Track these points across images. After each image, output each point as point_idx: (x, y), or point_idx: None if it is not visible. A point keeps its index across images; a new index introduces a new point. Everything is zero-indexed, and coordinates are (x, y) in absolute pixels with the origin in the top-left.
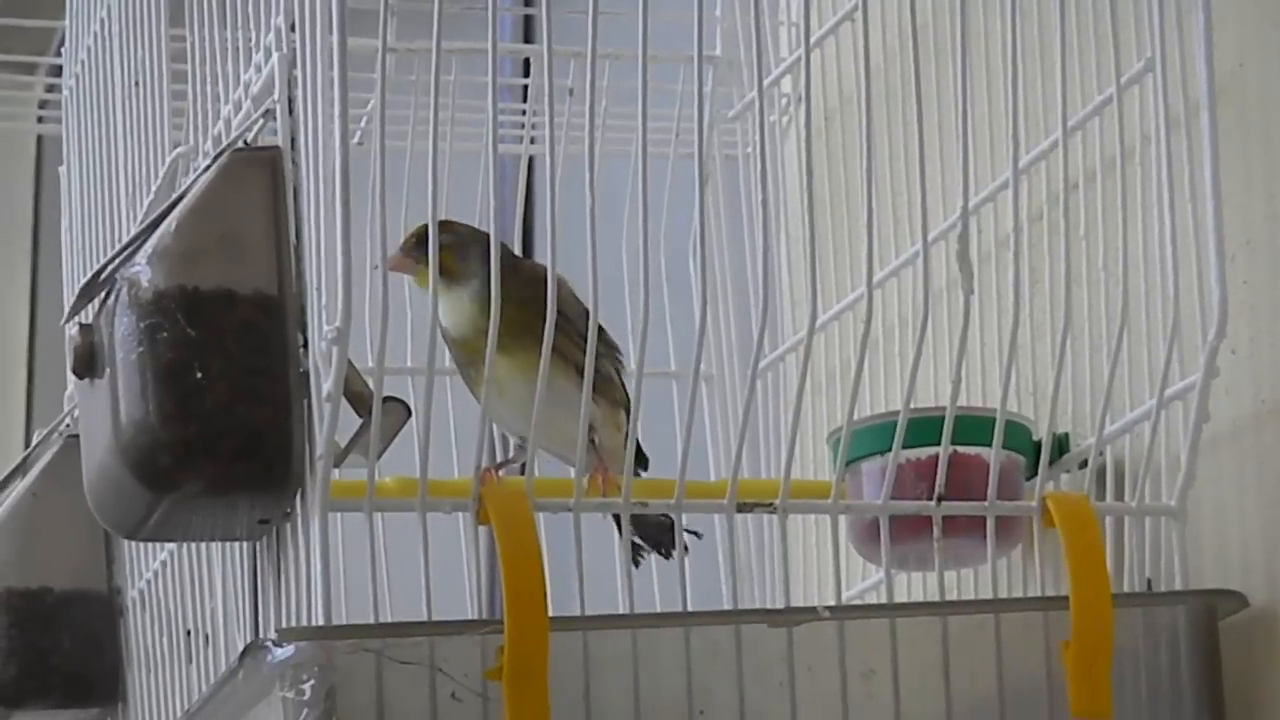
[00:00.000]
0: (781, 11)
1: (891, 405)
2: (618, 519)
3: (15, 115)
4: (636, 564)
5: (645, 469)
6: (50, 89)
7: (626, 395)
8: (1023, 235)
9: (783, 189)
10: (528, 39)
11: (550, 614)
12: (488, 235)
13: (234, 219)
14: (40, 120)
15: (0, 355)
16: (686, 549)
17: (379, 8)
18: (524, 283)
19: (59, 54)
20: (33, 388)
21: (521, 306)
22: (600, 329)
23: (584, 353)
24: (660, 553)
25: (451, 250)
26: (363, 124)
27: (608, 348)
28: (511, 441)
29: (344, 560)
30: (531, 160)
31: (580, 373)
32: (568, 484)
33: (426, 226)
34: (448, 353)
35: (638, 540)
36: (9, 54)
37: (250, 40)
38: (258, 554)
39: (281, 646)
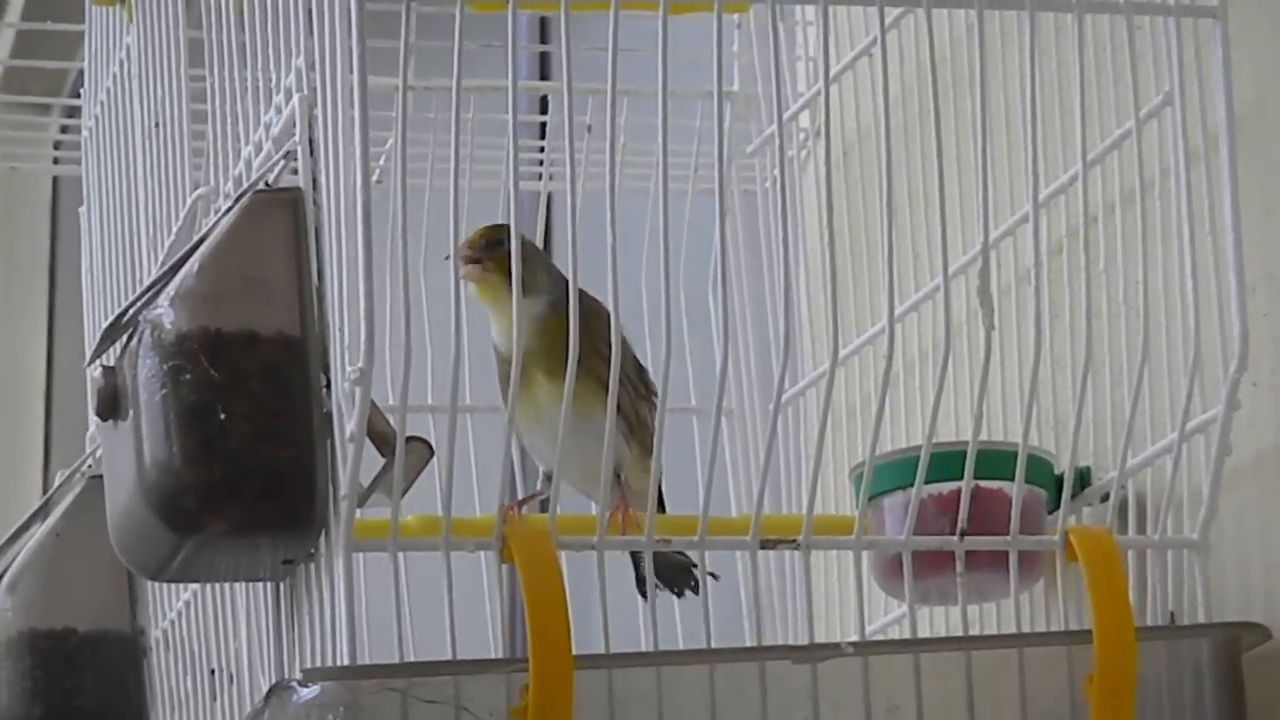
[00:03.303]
0: (799, 46)
1: (912, 440)
2: (634, 556)
3: (31, 156)
4: (645, 597)
5: (663, 510)
6: (65, 129)
7: (639, 428)
8: (1043, 269)
9: (801, 223)
10: (544, 76)
11: (574, 652)
12: (543, 252)
13: (256, 260)
14: (56, 161)
15: (18, 395)
16: (697, 587)
17: (396, 46)
18: (582, 313)
19: (74, 94)
20: (50, 427)
21: (559, 327)
22: (643, 371)
23: (627, 393)
24: (674, 591)
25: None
26: (381, 162)
27: (648, 390)
28: (540, 470)
29: (366, 599)
30: (550, 197)
31: (620, 411)
32: (590, 521)
33: (496, 228)
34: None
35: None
36: (24, 95)
37: (270, 81)
38: (281, 594)
39: (307, 686)
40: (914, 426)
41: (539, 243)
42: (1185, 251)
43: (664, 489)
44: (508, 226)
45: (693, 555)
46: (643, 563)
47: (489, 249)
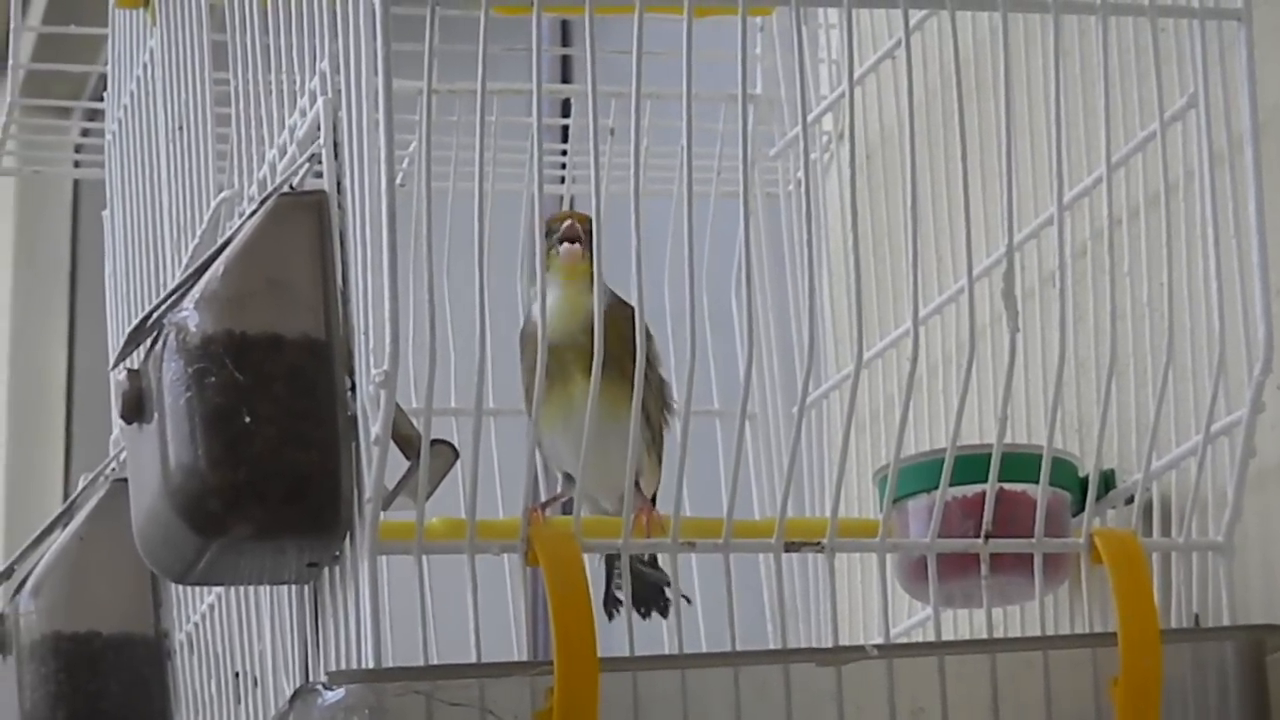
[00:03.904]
0: (822, 49)
1: (936, 442)
2: (609, 570)
3: (52, 160)
4: (610, 617)
5: None
6: (86, 133)
7: (660, 436)
8: (1067, 272)
9: (824, 226)
10: (566, 79)
11: (599, 655)
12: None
13: (281, 263)
14: (77, 165)
15: (39, 398)
16: (666, 609)
17: (420, 49)
18: (629, 315)
19: (95, 98)
20: (71, 431)
21: (620, 340)
22: (664, 385)
23: (656, 403)
24: (641, 613)
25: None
26: (404, 165)
27: (667, 401)
28: (559, 475)
29: (391, 602)
30: (573, 200)
31: (646, 419)
32: (613, 524)
33: (588, 218)
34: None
35: (619, 595)
36: (45, 98)
37: (295, 84)
38: (306, 597)
39: (332, 689)
40: (938, 429)
41: None
42: (1209, 254)
43: (686, 493)
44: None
45: (666, 568)
46: (615, 577)
47: (589, 235)
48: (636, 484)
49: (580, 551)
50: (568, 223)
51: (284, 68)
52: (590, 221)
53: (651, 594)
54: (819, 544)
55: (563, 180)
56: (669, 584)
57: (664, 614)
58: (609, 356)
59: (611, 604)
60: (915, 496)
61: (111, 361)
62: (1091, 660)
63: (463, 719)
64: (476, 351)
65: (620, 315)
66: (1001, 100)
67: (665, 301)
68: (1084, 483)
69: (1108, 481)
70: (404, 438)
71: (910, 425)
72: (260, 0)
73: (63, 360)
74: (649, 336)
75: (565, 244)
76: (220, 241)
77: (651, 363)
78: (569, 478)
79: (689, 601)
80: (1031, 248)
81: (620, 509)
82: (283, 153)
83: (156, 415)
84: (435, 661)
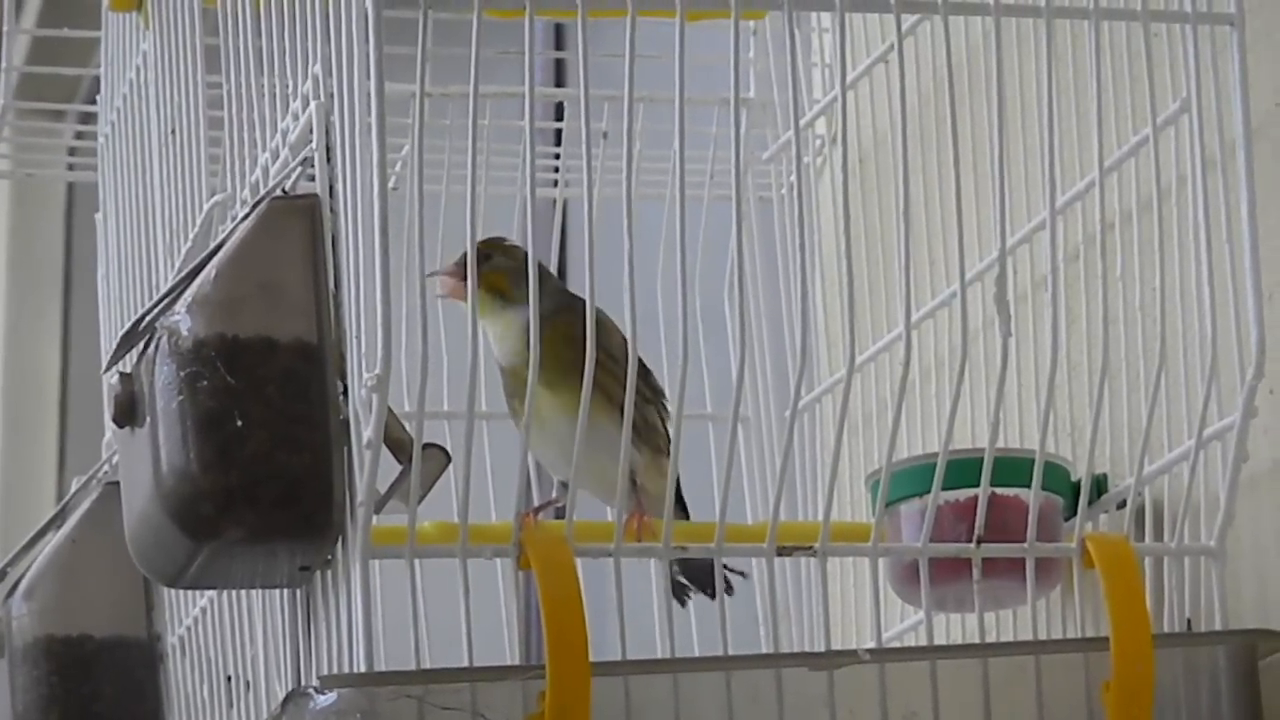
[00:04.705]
0: (815, 53)
1: (928, 447)
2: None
3: (45, 162)
4: (682, 603)
5: (687, 517)
6: (79, 136)
7: (670, 443)
8: (1059, 276)
9: (817, 230)
10: (559, 82)
11: (591, 659)
12: (540, 264)
13: (273, 267)
14: (70, 168)
15: (32, 401)
16: (730, 589)
17: (413, 53)
18: (576, 319)
19: (88, 101)
20: (65, 433)
21: (570, 343)
22: (648, 374)
23: (632, 396)
24: (707, 593)
25: (506, 274)
26: (397, 169)
27: (654, 393)
28: (555, 480)
29: (383, 606)
30: (565, 203)
31: (621, 415)
32: (606, 528)
33: (487, 242)
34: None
35: (683, 580)
36: (38, 101)
37: (288, 88)
38: (298, 601)
39: (324, 693)
40: (930, 433)
41: (555, 250)
42: (1202, 259)
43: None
44: (500, 240)
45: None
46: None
47: (481, 262)
48: (634, 483)
49: (573, 555)
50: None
51: (277, 71)
52: (487, 246)
53: (706, 575)
54: (811, 548)
55: (556, 184)
56: (729, 568)
57: (729, 591)
58: (562, 363)
59: (680, 591)
60: (908, 500)
61: (104, 365)
62: (1084, 665)
63: None
64: (469, 355)
65: (564, 321)
66: (994, 105)
67: (658, 305)
68: (1076, 487)
69: (1100, 486)
70: (396, 441)
71: (903, 429)
72: (253, 4)
73: (55, 363)
74: (608, 329)
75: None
76: (213, 245)
77: (615, 357)
78: (564, 485)
79: (744, 576)
80: (1024, 252)
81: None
82: (275, 156)
83: (149, 419)
84: (427, 666)
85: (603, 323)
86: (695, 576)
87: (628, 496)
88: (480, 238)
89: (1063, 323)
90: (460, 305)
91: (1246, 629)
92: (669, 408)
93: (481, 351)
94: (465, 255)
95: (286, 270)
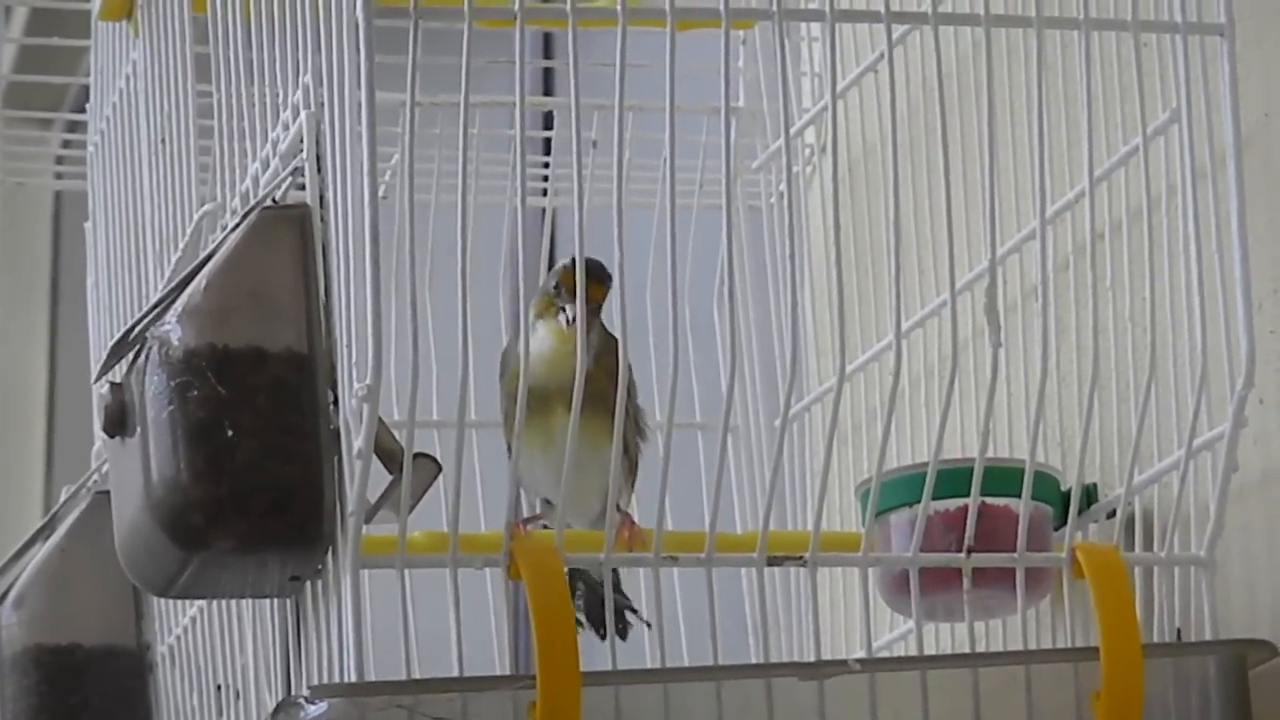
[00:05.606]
0: (804, 62)
1: (918, 456)
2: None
3: (33, 171)
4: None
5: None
6: (68, 145)
7: (637, 464)
8: (1049, 286)
9: (807, 239)
10: (548, 91)
11: (581, 669)
12: None
13: (263, 277)
14: (58, 176)
15: (20, 410)
16: (624, 633)
17: (403, 62)
18: (607, 346)
19: (76, 109)
20: (52, 443)
21: (609, 377)
22: (640, 411)
23: (633, 433)
24: (599, 634)
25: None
26: (386, 178)
27: (636, 410)
28: (537, 501)
29: (373, 616)
30: (555, 212)
31: (625, 449)
32: (597, 537)
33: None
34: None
35: (580, 618)
36: (26, 110)
37: (278, 97)
38: (288, 610)
39: (314, 703)
40: (920, 443)
41: (544, 259)
42: (1192, 268)
43: (669, 506)
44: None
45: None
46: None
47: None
48: (617, 506)
49: (563, 565)
50: (581, 302)
51: (267, 80)
52: (605, 291)
53: (597, 616)
54: (801, 558)
55: (545, 193)
56: (632, 609)
57: (623, 636)
58: (594, 394)
59: (599, 624)
60: (897, 510)
61: (94, 375)
62: (1073, 674)
63: None
64: (459, 365)
65: (606, 349)
66: (984, 114)
67: (647, 314)
68: (1066, 497)
69: (1090, 496)
70: (386, 451)
71: (892, 439)
72: (243, 13)
73: (44, 372)
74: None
75: (568, 319)
76: (203, 255)
77: (631, 393)
78: (547, 502)
79: (649, 626)
80: (1014, 261)
81: (593, 529)
82: (265, 166)
83: (139, 429)
84: (417, 675)
85: (614, 347)
86: (592, 615)
87: (612, 509)
88: (477, 244)
89: (1053, 332)
90: (453, 310)
91: (1236, 639)
92: (645, 429)
93: (472, 360)
94: (600, 290)
95: (277, 280)
